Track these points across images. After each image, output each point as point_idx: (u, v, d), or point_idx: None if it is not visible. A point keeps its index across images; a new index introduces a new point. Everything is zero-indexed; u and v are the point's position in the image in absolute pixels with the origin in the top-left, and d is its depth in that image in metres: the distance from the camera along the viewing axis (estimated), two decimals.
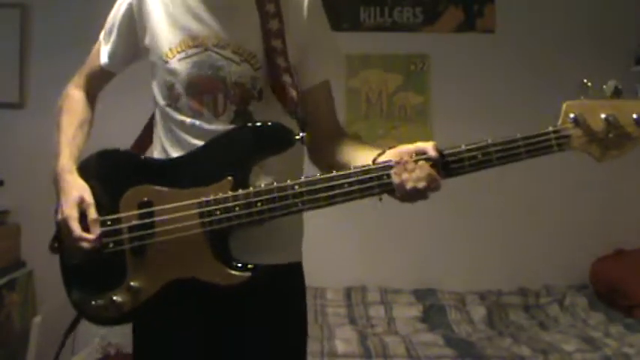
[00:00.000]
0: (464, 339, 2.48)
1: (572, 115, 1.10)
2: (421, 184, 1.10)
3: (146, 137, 1.42)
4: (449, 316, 2.74)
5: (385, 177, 1.14)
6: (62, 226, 1.25)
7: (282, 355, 1.31)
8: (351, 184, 1.15)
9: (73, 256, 1.26)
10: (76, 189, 1.26)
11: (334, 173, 1.17)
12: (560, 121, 1.11)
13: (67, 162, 1.30)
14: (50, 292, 2.89)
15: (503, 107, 3.03)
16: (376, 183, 1.15)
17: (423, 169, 1.11)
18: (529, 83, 3.06)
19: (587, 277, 2.96)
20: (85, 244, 1.21)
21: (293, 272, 1.34)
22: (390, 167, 1.14)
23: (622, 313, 2.65)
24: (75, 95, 1.42)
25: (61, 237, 1.29)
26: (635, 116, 1.07)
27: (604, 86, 1.11)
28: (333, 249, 2.77)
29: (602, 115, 1.09)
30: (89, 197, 1.24)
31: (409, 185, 1.11)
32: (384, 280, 2.91)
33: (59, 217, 1.26)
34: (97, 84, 1.44)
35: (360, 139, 1.36)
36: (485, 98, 3.06)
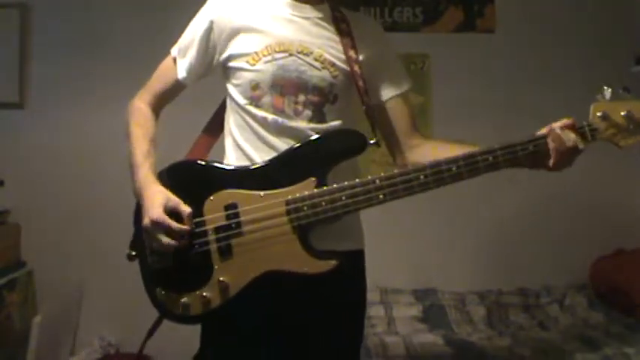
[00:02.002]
0: (464, 339, 2.48)
1: (599, 113, 1.36)
2: (571, 142, 1.31)
3: (205, 140, 1.56)
4: (449, 316, 2.74)
5: (531, 147, 1.33)
6: (151, 229, 1.31)
7: (352, 329, 1.52)
8: (426, 175, 1.33)
9: (161, 257, 1.35)
10: (160, 195, 1.34)
11: (410, 168, 1.36)
12: (590, 117, 1.37)
13: (148, 174, 1.38)
14: (50, 292, 2.90)
15: (504, 107, 3.03)
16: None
17: (570, 133, 1.32)
18: (529, 83, 3.06)
19: (587, 277, 2.96)
20: (182, 240, 1.31)
21: (361, 257, 1.53)
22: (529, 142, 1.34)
23: (622, 313, 2.65)
24: (143, 110, 1.50)
25: (141, 243, 1.37)
26: None
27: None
28: None
29: (622, 113, 1.36)
30: (174, 198, 1.34)
31: (561, 147, 1.31)
32: (384, 280, 2.91)
33: (145, 221, 1.32)
34: (167, 98, 1.54)
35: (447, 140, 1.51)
36: (485, 98, 3.05)
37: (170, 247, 1.31)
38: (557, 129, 1.33)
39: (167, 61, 1.52)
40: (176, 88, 1.51)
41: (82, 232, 2.93)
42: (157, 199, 1.32)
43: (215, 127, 1.55)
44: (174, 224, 1.30)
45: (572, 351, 2.29)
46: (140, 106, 1.50)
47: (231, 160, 1.45)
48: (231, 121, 1.46)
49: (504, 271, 3.03)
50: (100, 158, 2.87)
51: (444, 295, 2.89)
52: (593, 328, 2.56)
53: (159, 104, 1.52)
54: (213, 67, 1.48)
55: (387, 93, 1.51)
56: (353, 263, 1.45)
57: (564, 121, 1.34)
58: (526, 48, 3.08)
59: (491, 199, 2.97)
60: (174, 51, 1.51)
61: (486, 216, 3.01)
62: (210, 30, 1.44)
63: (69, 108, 3.00)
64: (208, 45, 1.45)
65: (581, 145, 1.32)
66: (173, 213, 1.32)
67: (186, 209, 1.32)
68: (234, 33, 1.42)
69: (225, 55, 1.43)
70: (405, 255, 3.00)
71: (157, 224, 1.30)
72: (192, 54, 1.47)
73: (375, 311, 2.74)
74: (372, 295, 2.84)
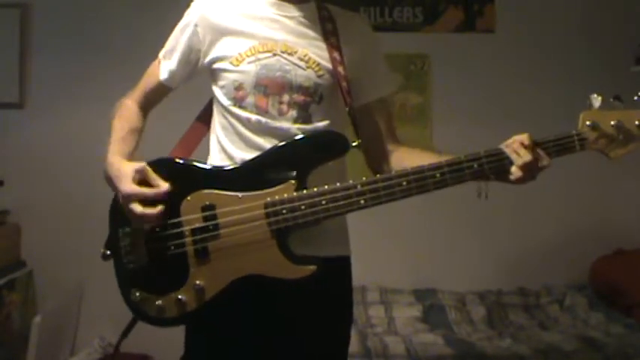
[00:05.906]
0: (464, 339, 2.48)
1: (588, 123, 1.32)
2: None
3: (188, 141, 1.54)
4: (449, 316, 2.73)
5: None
6: (126, 204, 1.29)
7: (336, 336, 1.46)
8: (409, 182, 1.30)
9: (136, 257, 1.34)
10: (124, 169, 1.32)
11: (393, 173, 1.32)
12: (579, 127, 1.33)
13: (113, 158, 1.37)
14: (50, 292, 2.90)
15: (504, 107, 3.03)
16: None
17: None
18: (529, 83, 3.06)
19: (587, 277, 2.96)
20: (158, 206, 1.28)
21: (345, 264, 1.47)
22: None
23: (622, 313, 2.65)
24: (129, 105, 1.50)
25: (117, 242, 1.36)
26: (637, 122, 1.32)
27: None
28: None
29: (612, 122, 1.32)
30: (140, 166, 1.31)
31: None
32: (384, 280, 2.91)
33: (120, 199, 1.31)
34: (153, 99, 1.53)
35: (421, 148, 1.49)
36: (485, 98, 3.05)
37: (148, 215, 1.28)
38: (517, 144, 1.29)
39: (155, 63, 1.52)
40: (160, 89, 1.51)
41: (82, 232, 2.91)
42: (124, 174, 1.31)
43: (209, 114, 1.52)
44: (147, 191, 1.28)
45: (572, 351, 2.29)
46: (126, 102, 1.50)
47: (215, 161, 1.44)
48: (217, 123, 1.45)
49: (504, 271, 3.03)
50: (100, 158, 2.86)
51: (444, 295, 2.89)
52: (593, 328, 2.56)
53: (146, 104, 1.52)
54: (198, 70, 1.46)
55: (370, 95, 1.48)
56: (335, 269, 1.41)
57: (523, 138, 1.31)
58: (526, 48, 3.08)
59: (490, 198, 2.96)
60: (160, 53, 1.52)
61: (486, 216, 3.01)
62: (193, 33, 1.43)
63: (69, 108, 3.00)
64: (192, 48, 1.44)
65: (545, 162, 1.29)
66: (143, 183, 1.30)
67: (154, 174, 1.31)
68: (219, 36, 1.41)
69: (209, 58, 1.42)
70: (405, 255, 3.00)
71: (130, 197, 1.28)
72: (176, 57, 1.47)
73: (375, 311, 2.74)
74: (372, 295, 2.84)
